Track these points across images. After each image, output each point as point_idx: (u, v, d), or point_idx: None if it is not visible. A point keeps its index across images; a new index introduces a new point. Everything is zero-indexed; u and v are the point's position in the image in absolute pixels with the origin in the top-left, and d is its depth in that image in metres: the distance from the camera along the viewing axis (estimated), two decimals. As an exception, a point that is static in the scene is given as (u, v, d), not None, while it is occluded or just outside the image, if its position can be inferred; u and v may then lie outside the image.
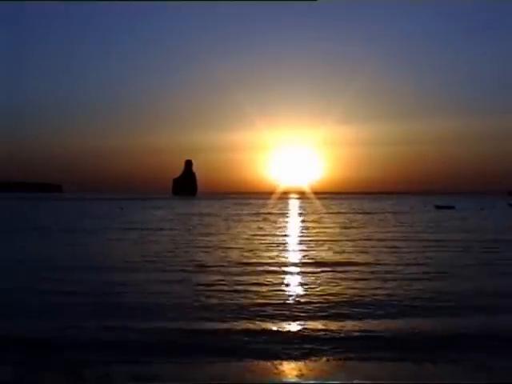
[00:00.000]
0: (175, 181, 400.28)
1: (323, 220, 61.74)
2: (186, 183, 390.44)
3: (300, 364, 10.40)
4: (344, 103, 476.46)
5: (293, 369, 10.16)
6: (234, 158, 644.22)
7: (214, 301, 15.88)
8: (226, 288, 17.95)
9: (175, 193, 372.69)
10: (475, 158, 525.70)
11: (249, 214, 78.72)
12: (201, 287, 18.16)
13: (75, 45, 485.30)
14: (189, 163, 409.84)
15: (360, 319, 13.71)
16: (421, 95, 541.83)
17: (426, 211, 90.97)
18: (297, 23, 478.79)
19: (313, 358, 10.70)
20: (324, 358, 10.69)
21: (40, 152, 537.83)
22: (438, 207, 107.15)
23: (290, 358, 10.75)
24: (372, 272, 21.65)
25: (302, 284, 19.01)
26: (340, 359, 10.64)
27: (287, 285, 18.89)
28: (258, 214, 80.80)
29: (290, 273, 21.79)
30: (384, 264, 24.02)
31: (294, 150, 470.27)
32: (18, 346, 11.31)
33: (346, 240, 35.95)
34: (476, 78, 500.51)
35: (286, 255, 27.85)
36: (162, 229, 47.25)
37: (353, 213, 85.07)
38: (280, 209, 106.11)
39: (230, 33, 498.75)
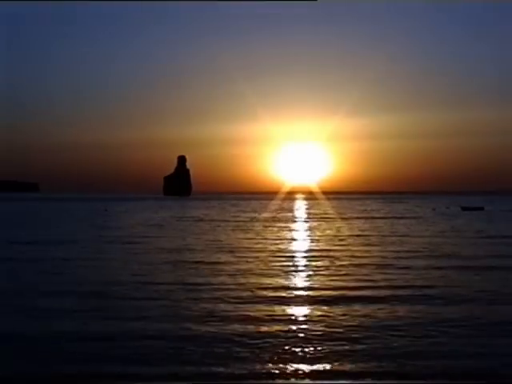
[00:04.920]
0: (166, 179, 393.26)
1: (341, 230, 54.27)
2: (178, 182, 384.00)
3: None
4: (356, 93, 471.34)
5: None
6: (233, 154, 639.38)
7: None
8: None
9: (167, 192, 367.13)
10: (503, 152, 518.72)
11: (248, 219, 72.81)
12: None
13: (62, 35, 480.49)
14: (182, 159, 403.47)
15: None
16: (442, 83, 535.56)
17: (452, 214, 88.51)
18: (306, 9, 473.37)
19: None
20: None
21: (13, 146, 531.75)
22: (465, 209, 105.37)
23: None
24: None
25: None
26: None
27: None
28: (258, 218, 74.93)
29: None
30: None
31: (300, 145, 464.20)
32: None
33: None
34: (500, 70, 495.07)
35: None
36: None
37: (370, 218, 79.56)
38: (285, 212, 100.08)
39: (231, 18, 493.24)
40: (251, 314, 16.29)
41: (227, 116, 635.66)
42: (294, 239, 42.64)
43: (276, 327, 14.70)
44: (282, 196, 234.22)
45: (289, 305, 17.63)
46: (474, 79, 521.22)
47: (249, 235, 45.77)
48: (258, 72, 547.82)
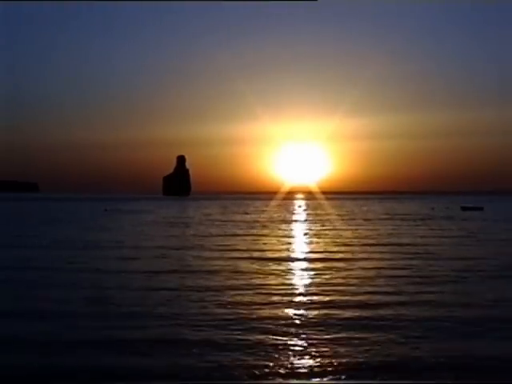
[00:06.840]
0: (166, 179, 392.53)
1: (345, 233, 52.51)
2: (178, 182, 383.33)
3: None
4: (355, 93, 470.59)
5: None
6: (233, 154, 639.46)
7: None
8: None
9: (166, 192, 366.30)
10: (502, 152, 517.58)
11: (248, 220, 71.07)
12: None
13: (62, 35, 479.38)
14: (181, 159, 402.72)
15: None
16: (442, 83, 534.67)
17: (453, 214, 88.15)
18: (306, 9, 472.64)
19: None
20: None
21: (13, 146, 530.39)
22: (465, 209, 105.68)
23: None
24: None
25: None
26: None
27: None
28: (256, 220, 72.96)
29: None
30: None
31: (300, 145, 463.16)
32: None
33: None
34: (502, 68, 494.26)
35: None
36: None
37: (373, 219, 77.91)
38: (284, 213, 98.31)
39: (231, 17, 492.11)
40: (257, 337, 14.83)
41: (227, 116, 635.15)
42: (296, 242, 41.18)
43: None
44: (282, 196, 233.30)
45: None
46: (474, 79, 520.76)
47: (249, 237, 44.27)
48: (258, 71, 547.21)
